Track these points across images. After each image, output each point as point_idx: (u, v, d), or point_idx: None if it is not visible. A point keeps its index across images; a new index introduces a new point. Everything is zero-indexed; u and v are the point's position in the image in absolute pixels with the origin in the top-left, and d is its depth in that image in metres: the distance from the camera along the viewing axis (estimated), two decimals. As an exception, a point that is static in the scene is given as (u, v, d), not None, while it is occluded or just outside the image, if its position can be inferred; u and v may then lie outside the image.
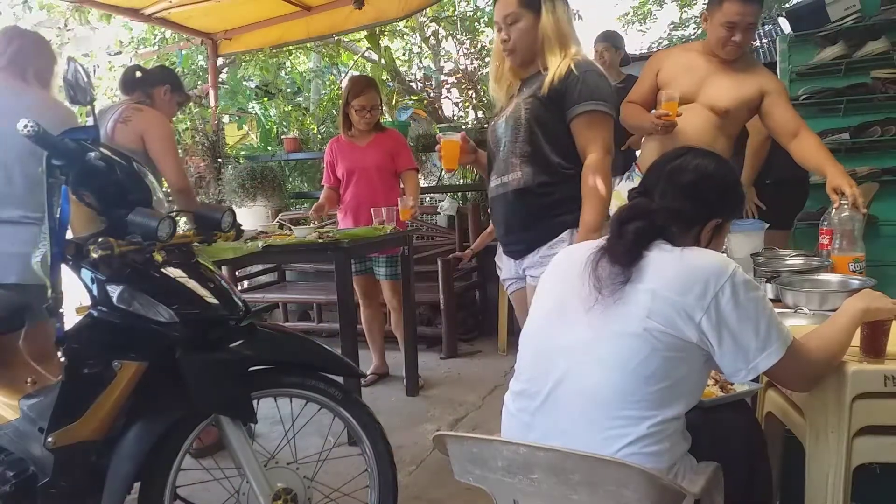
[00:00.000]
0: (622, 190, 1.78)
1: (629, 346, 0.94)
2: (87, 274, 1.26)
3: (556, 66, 1.47)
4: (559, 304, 1.05)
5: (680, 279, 0.95)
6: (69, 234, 1.24)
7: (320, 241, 2.19)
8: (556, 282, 1.10)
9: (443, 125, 1.50)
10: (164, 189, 2.11)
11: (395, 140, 2.72)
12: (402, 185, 2.76)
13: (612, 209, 2.62)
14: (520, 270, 1.58)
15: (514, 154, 1.53)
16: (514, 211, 1.54)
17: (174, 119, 3.22)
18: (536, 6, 1.49)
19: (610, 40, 3.26)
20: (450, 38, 5.96)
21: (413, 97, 5.43)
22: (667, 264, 0.97)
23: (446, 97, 5.48)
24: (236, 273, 3.69)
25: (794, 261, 1.62)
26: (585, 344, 0.98)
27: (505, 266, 1.67)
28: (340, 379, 1.43)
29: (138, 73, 2.21)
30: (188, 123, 4.30)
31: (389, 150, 2.67)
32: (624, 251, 0.99)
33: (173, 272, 1.28)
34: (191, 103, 4.10)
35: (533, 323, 1.09)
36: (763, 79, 1.82)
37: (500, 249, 1.69)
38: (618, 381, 0.93)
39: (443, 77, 5.68)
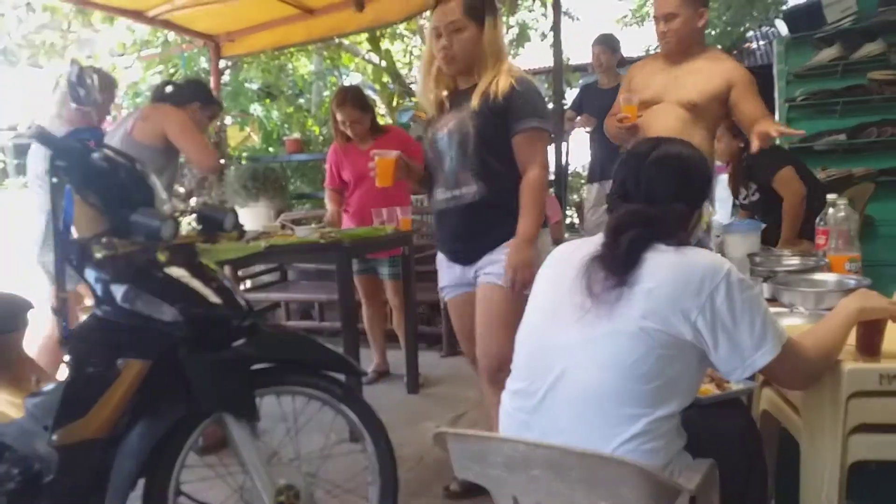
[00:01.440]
0: None
1: (624, 345, 0.94)
2: (91, 274, 1.27)
3: (490, 79, 1.50)
4: (554, 305, 1.05)
5: (675, 278, 0.95)
6: (73, 234, 1.26)
7: (322, 241, 2.20)
8: (551, 282, 1.10)
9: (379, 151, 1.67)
10: (183, 184, 2.14)
11: (399, 140, 2.67)
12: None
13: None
14: (469, 275, 1.61)
15: (466, 168, 1.54)
16: (469, 222, 1.57)
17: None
18: (481, 19, 1.51)
19: (606, 43, 3.28)
20: (450, 39, 5.97)
21: (413, 99, 5.45)
22: (661, 265, 0.97)
23: (447, 98, 5.49)
24: (238, 273, 3.70)
25: (790, 260, 1.63)
26: (581, 343, 0.98)
27: (445, 273, 1.68)
28: (342, 377, 1.44)
29: (168, 88, 2.24)
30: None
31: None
32: (619, 262, 0.98)
33: (177, 272, 1.29)
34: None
35: (529, 322, 1.10)
36: (730, 71, 1.85)
37: (440, 257, 1.70)
38: (613, 379, 0.94)
39: (443, 79, 5.68)
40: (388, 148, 2.64)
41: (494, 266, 1.54)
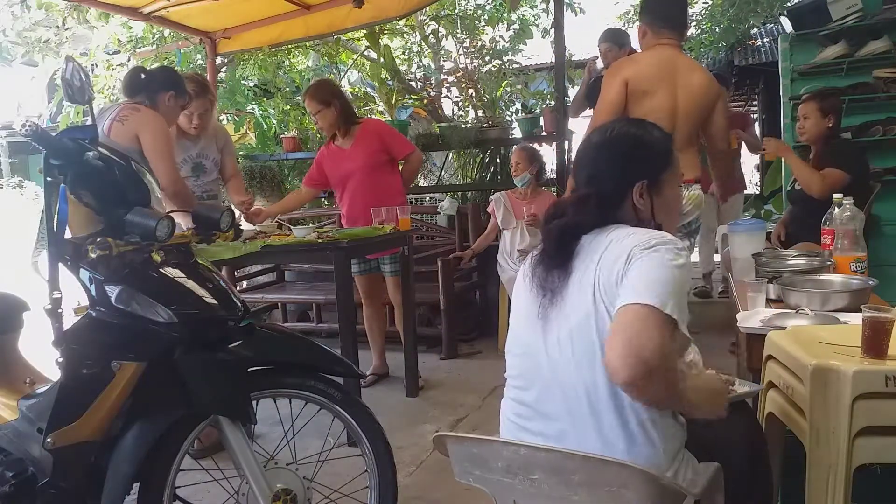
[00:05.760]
0: None
1: (589, 338, 0.93)
2: (85, 274, 1.25)
3: None
4: (526, 310, 1.04)
5: (611, 255, 0.95)
6: (67, 234, 1.24)
7: (319, 241, 2.18)
8: (522, 287, 1.08)
9: None
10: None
11: (376, 134, 2.65)
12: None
13: None
14: None
15: None
16: None
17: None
18: None
19: (612, 39, 3.23)
20: (449, 36, 5.94)
21: (413, 96, 5.42)
22: (599, 247, 0.97)
23: (446, 96, 5.47)
24: (235, 273, 3.68)
25: (796, 261, 1.62)
26: (553, 344, 0.98)
27: None
28: (340, 379, 1.43)
29: (143, 76, 2.19)
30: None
31: (374, 148, 2.62)
32: (554, 251, 1.00)
33: (172, 272, 1.28)
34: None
35: (512, 329, 1.09)
36: None
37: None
38: (591, 374, 0.93)
39: (442, 76, 5.66)
40: (368, 143, 2.65)
41: None
